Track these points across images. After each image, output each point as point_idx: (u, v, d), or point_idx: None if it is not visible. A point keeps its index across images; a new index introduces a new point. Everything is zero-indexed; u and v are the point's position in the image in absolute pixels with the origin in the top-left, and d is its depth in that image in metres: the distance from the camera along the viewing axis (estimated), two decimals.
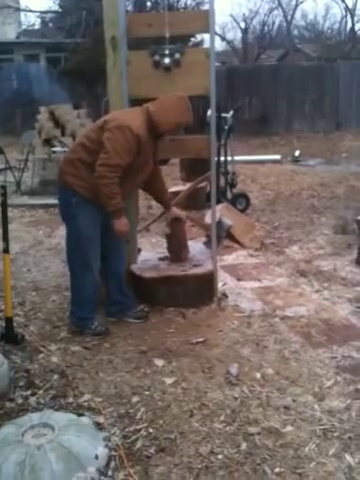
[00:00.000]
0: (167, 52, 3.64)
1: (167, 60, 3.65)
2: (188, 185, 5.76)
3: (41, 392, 2.86)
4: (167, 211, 3.99)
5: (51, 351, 3.30)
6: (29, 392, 2.87)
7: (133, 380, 2.98)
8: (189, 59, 3.68)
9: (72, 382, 2.96)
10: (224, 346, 3.35)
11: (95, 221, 3.45)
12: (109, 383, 2.95)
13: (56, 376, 3.01)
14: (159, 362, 3.15)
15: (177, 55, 3.64)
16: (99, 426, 2.56)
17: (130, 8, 13.51)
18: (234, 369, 3.04)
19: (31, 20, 22.94)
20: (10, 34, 20.87)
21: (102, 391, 2.88)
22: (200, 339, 3.41)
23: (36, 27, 22.57)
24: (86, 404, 2.76)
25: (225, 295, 4.09)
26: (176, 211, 3.99)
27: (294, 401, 2.77)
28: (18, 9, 20.86)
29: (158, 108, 3.42)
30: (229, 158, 6.98)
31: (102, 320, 3.69)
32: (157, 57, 3.66)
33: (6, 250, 3.39)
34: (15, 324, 3.48)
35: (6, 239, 3.39)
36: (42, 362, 3.17)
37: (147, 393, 2.85)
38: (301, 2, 28.04)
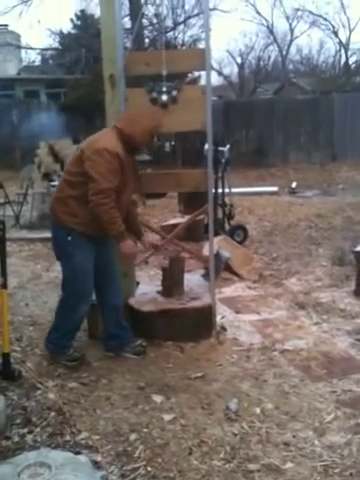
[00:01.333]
0: (164, 89, 3.71)
1: (164, 97, 3.72)
2: (186, 217, 5.80)
3: (38, 430, 2.82)
4: (139, 239, 3.84)
5: (48, 387, 3.26)
6: (26, 430, 2.83)
7: (131, 417, 2.94)
8: (186, 96, 3.75)
9: (69, 419, 2.92)
10: (223, 381, 3.32)
11: (90, 256, 3.48)
12: (107, 420, 2.92)
13: (53, 413, 2.97)
14: (157, 398, 3.12)
15: (174, 92, 3.71)
16: (96, 465, 2.52)
17: (128, 45, 13.80)
18: (233, 404, 3.01)
19: (31, 57, 23.34)
20: (11, 70, 21.29)
21: (100, 428, 2.84)
22: (199, 374, 3.38)
23: (36, 63, 23.05)
24: (83, 442, 2.72)
25: (224, 328, 4.08)
26: (149, 239, 3.92)
27: (294, 437, 2.74)
28: (19, 47, 21.32)
29: (127, 121, 3.44)
30: (226, 190, 7.05)
31: (77, 346, 3.74)
32: (154, 94, 3.73)
33: (4, 285, 3.38)
34: (12, 360, 3.45)
35: (4, 274, 3.39)
36: (39, 399, 3.13)
37: (145, 430, 2.81)
38: (296, 37, 28.54)
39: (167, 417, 2.92)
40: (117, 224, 3.32)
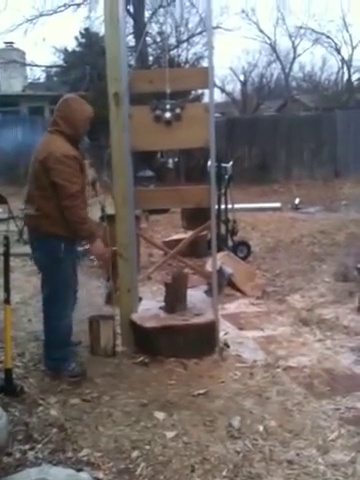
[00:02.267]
0: (168, 107, 3.75)
1: (168, 114, 3.76)
2: (189, 233, 5.81)
3: (40, 446, 2.81)
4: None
5: (50, 404, 3.25)
6: (28, 446, 2.81)
7: (133, 434, 2.92)
8: (189, 113, 3.79)
9: (71, 436, 2.90)
10: (226, 398, 3.30)
11: (73, 266, 3.72)
12: (109, 437, 2.90)
13: (55, 430, 2.96)
14: (160, 415, 3.10)
15: (178, 110, 3.76)
16: None
17: (132, 62, 13.96)
18: (236, 422, 2.99)
19: (36, 74, 23.55)
20: (16, 87, 21.50)
21: (102, 445, 2.82)
22: (201, 391, 3.36)
23: (41, 80, 23.26)
24: (85, 459, 2.71)
25: (227, 345, 4.06)
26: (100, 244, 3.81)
27: (298, 455, 2.71)
28: (24, 64, 21.54)
29: (64, 122, 3.56)
30: (229, 206, 7.07)
31: (79, 361, 3.77)
32: (158, 112, 3.77)
33: (7, 301, 3.39)
34: (14, 376, 3.44)
35: (8, 289, 3.40)
36: (41, 415, 3.12)
37: (147, 447, 2.79)
38: (299, 55, 28.74)
39: (169, 434, 2.90)
40: (87, 224, 3.53)
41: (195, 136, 3.80)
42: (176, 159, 14.68)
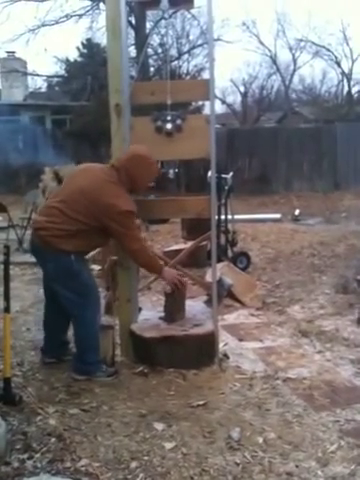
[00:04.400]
0: (169, 118, 3.77)
1: (169, 126, 3.78)
2: (189, 243, 5.82)
3: (38, 456, 2.79)
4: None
5: (49, 413, 3.23)
6: (26, 455, 2.79)
7: (132, 444, 2.91)
8: (190, 124, 3.81)
9: (70, 446, 2.89)
10: (225, 409, 3.29)
11: (90, 271, 3.90)
12: (107, 447, 2.88)
13: (53, 439, 2.94)
14: (159, 426, 3.08)
15: (179, 121, 3.78)
16: None
17: (134, 73, 14.06)
18: (235, 433, 2.98)
19: (38, 83, 23.69)
20: (17, 96, 21.62)
21: (100, 456, 2.81)
22: (201, 402, 3.35)
23: (42, 90, 23.39)
24: (84, 469, 2.69)
25: (226, 356, 4.05)
26: (169, 272, 3.95)
27: (297, 467, 2.70)
28: (25, 73, 21.68)
29: (130, 178, 3.59)
30: (229, 217, 7.08)
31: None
32: (159, 123, 3.79)
33: (7, 309, 3.39)
34: (13, 385, 3.43)
35: (7, 298, 3.40)
36: (40, 424, 3.10)
37: (146, 458, 2.77)
38: (299, 67, 28.94)
39: (168, 445, 2.89)
40: (152, 263, 3.77)
41: (196, 147, 3.82)
42: (176, 170, 14.73)
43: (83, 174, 3.70)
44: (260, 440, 2.94)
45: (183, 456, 2.79)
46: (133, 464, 2.72)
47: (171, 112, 3.78)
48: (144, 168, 3.63)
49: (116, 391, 3.55)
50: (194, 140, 3.79)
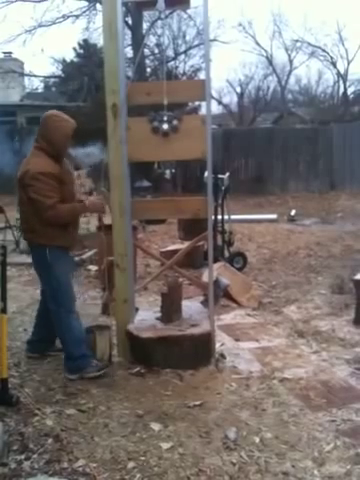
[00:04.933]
0: (165, 119, 3.78)
1: (165, 126, 3.78)
2: (186, 244, 5.83)
3: (35, 456, 2.79)
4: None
5: (46, 414, 3.23)
6: (23, 456, 2.80)
7: (129, 445, 2.91)
8: (186, 125, 3.82)
9: (67, 446, 2.89)
10: (222, 409, 3.30)
11: (68, 269, 3.86)
12: (104, 448, 2.89)
13: (50, 440, 2.95)
14: (155, 426, 3.09)
15: (175, 121, 3.79)
16: None
17: (130, 74, 14.05)
18: (232, 433, 2.99)
19: (34, 84, 23.65)
20: (14, 97, 21.59)
21: (97, 456, 2.81)
22: (197, 402, 3.36)
23: (39, 91, 23.36)
24: (81, 469, 2.69)
25: (223, 356, 4.06)
26: (95, 201, 3.94)
27: (293, 467, 2.71)
28: (22, 74, 21.64)
29: (43, 140, 3.68)
30: (226, 217, 7.09)
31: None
32: (156, 123, 3.80)
33: (4, 310, 3.39)
34: (10, 385, 3.43)
35: (4, 299, 3.40)
36: (37, 425, 3.11)
37: (143, 458, 2.78)
38: (295, 68, 28.99)
39: (165, 445, 2.89)
40: (75, 210, 3.79)
41: (192, 148, 3.83)
42: (173, 170, 14.72)
43: None
44: (256, 440, 2.95)
45: (180, 456, 2.80)
46: (130, 464, 2.73)
47: (167, 113, 3.79)
48: (55, 126, 3.67)
49: (113, 392, 3.55)
50: (190, 141, 3.80)
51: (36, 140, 3.74)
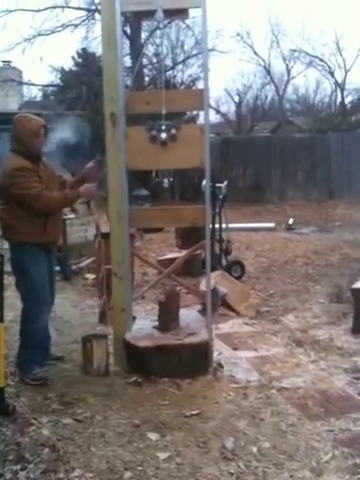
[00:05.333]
0: (164, 128, 3.79)
1: (164, 135, 3.79)
2: (184, 252, 5.82)
3: (31, 466, 2.77)
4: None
5: (42, 423, 3.21)
6: (19, 466, 2.77)
7: (126, 455, 2.89)
8: (185, 134, 3.83)
9: (63, 456, 2.87)
10: (219, 419, 3.28)
11: (44, 269, 3.85)
12: (101, 458, 2.87)
13: (47, 450, 2.92)
14: (152, 436, 3.07)
15: (173, 130, 3.80)
16: None
17: (129, 83, 14.11)
18: (230, 443, 2.97)
19: (33, 93, 23.69)
20: (12, 105, 21.61)
21: (94, 466, 2.79)
22: (195, 412, 3.34)
23: (38, 99, 23.40)
24: (77, 479, 2.68)
25: (221, 365, 4.04)
26: (88, 186, 3.95)
27: (291, 477, 2.69)
28: (21, 83, 21.69)
29: (14, 141, 3.78)
30: (224, 226, 7.09)
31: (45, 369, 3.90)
32: (154, 132, 3.81)
33: (1, 319, 3.38)
34: (6, 395, 3.41)
35: (1, 308, 3.39)
36: (33, 435, 3.08)
37: (140, 468, 2.76)
38: (293, 77, 29.09)
39: (162, 455, 2.88)
40: (66, 199, 3.86)
41: (190, 156, 3.84)
42: (171, 179, 14.74)
43: None
44: (254, 450, 2.93)
45: (177, 466, 2.78)
46: (127, 474, 2.71)
47: (165, 122, 3.80)
48: (21, 125, 3.76)
49: (110, 401, 3.53)
50: (188, 149, 3.81)
51: (10, 143, 3.82)
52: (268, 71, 28.09)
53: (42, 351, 3.93)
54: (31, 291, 3.79)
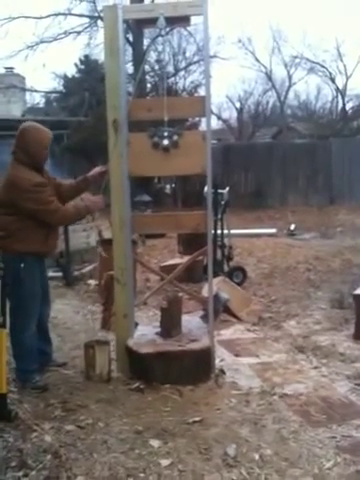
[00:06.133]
0: (166, 134, 3.81)
1: (166, 142, 3.81)
2: (186, 258, 5.83)
3: (34, 473, 2.77)
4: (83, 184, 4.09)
5: (45, 430, 3.21)
6: (21, 473, 2.77)
7: (128, 461, 2.89)
8: (186, 140, 3.85)
9: (65, 463, 2.87)
10: (222, 426, 3.27)
11: (38, 280, 3.84)
12: (103, 464, 2.86)
13: (49, 456, 2.92)
14: (155, 443, 3.07)
15: (175, 137, 3.81)
16: None
17: (131, 89, 14.15)
18: (232, 450, 2.97)
19: (36, 99, 23.79)
20: (15, 112, 21.69)
21: (96, 473, 2.79)
22: (197, 418, 3.33)
23: (40, 106, 23.50)
24: None
25: (223, 371, 4.04)
26: (95, 200, 3.99)
27: None
28: (23, 89, 21.79)
29: (21, 152, 3.74)
30: (225, 232, 7.10)
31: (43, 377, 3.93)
32: (156, 139, 3.82)
33: (3, 325, 3.39)
34: (9, 401, 3.41)
35: (3, 314, 3.40)
36: (35, 441, 3.08)
37: (142, 475, 2.76)
38: (294, 84, 29.19)
39: (164, 462, 2.87)
40: (79, 214, 3.90)
41: (192, 163, 3.85)
42: (173, 184, 14.75)
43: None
44: (256, 457, 2.93)
45: (179, 473, 2.78)
46: None
47: (168, 128, 3.82)
48: (33, 138, 3.73)
49: (112, 407, 3.53)
50: (190, 156, 3.82)
51: (14, 152, 3.78)
52: (269, 77, 28.21)
53: (36, 359, 3.91)
54: (22, 302, 3.76)
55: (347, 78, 26.98)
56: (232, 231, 7.38)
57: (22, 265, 3.70)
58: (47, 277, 4.22)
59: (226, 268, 7.03)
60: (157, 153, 3.86)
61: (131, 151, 3.89)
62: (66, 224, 3.81)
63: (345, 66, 27.15)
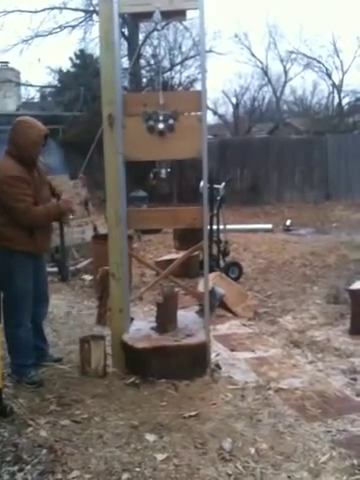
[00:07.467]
0: (161, 118, 3.78)
1: (161, 125, 3.78)
2: (181, 253, 5.83)
3: (29, 468, 2.77)
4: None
5: (40, 425, 3.20)
6: (16, 468, 2.77)
7: (123, 456, 2.89)
8: (182, 124, 3.81)
9: (61, 457, 2.86)
10: (217, 420, 3.28)
11: (30, 276, 3.79)
12: (99, 459, 2.86)
13: (44, 451, 2.92)
14: (150, 437, 3.07)
15: (171, 120, 3.78)
16: None
17: (126, 84, 14.09)
18: (227, 444, 2.97)
19: (31, 93, 23.68)
20: (10, 106, 21.58)
21: (91, 467, 2.79)
22: (193, 413, 3.34)
23: (35, 100, 23.39)
24: None
25: (218, 366, 4.05)
26: (66, 200, 3.98)
27: (289, 477, 2.70)
28: (18, 84, 21.67)
29: (12, 145, 3.71)
30: (221, 227, 7.10)
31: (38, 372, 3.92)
32: (151, 122, 3.79)
33: None
34: (4, 395, 3.41)
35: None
36: (30, 436, 3.08)
37: (138, 470, 2.76)
38: (290, 79, 29.17)
39: (160, 456, 2.87)
40: (50, 214, 3.78)
41: (188, 147, 3.83)
42: (169, 169, 14.72)
43: None
44: (252, 451, 2.93)
45: (175, 467, 2.78)
46: (124, 476, 2.71)
47: (163, 111, 3.77)
48: (23, 132, 3.69)
49: (108, 402, 3.53)
50: (186, 139, 3.80)
51: (7, 144, 3.77)
52: (265, 73, 28.17)
53: (32, 354, 3.90)
54: (14, 298, 3.72)
55: (343, 74, 26.98)
56: (228, 226, 7.39)
57: (11, 260, 3.69)
58: (46, 276, 4.18)
59: (222, 263, 7.04)
60: (152, 137, 3.82)
61: (126, 135, 3.84)
62: (37, 225, 3.70)
63: (341, 62, 27.13)
